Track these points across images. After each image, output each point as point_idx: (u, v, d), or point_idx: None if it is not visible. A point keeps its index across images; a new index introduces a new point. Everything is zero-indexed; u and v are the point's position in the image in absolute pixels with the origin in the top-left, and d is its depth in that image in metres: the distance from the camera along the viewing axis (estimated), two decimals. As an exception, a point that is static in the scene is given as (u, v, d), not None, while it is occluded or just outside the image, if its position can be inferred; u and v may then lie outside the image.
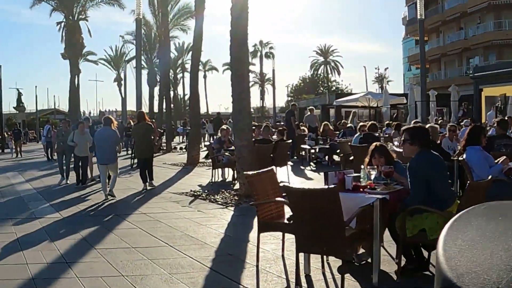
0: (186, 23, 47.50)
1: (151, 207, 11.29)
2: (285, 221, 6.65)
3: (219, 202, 11.43)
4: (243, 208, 10.88)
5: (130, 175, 18.04)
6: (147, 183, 14.54)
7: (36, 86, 75.08)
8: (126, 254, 7.35)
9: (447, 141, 12.06)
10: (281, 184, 5.70)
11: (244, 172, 7.00)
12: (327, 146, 19.98)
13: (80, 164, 15.07)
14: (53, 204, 12.00)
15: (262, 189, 6.85)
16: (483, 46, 49.71)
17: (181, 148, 32.78)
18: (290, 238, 6.64)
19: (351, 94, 44.02)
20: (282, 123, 26.84)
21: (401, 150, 13.34)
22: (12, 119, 72.33)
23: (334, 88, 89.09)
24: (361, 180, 6.49)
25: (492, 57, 49.80)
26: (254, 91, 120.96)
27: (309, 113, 24.39)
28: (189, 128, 35.72)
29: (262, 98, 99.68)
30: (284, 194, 6.26)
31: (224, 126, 17.12)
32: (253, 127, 29.62)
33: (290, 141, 17.21)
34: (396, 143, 14.24)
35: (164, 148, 31.45)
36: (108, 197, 12.54)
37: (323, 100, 52.23)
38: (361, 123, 15.52)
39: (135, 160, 18.26)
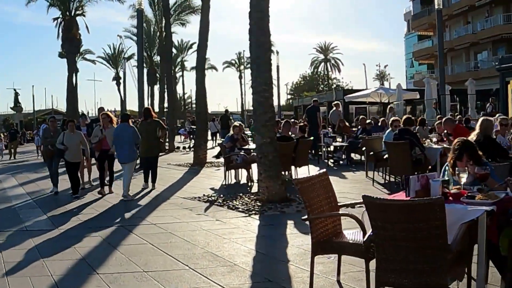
0: (186, 18, 46.04)
1: (161, 216, 9.72)
2: (347, 239, 5.13)
3: (240, 209, 9.86)
4: (270, 216, 9.33)
5: (133, 177, 16.45)
6: (150, 184, 13.59)
7: (33, 86, 73.20)
8: (137, 282, 5.80)
9: (499, 137, 10.50)
10: (362, 195, 4.16)
11: (295, 178, 5.35)
12: (346, 144, 18.44)
13: (72, 171, 12.51)
14: (48, 214, 10.38)
15: (315, 198, 5.30)
16: (492, 40, 48.20)
17: (184, 148, 31.25)
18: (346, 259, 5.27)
19: (359, 90, 42.38)
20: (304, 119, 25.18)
21: (439, 146, 11.80)
22: (10, 119, 71.07)
23: (334, 85, 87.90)
24: (448, 185, 4.98)
25: (501, 51, 48.25)
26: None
27: (334, 108, 22.89)
28: (193, 127, 34.48)
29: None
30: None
31: (236, 123, 15.60)
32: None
33: (312, 138, 15.68)
34: (434, 139, 12.72)
35: (167, 148, 29.97)
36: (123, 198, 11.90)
37: (329, 97, 50.56)
38: (394, 118, 13.96)
39: (138, 161, 16.81)
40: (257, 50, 10.50)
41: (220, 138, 31.17)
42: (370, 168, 14.62)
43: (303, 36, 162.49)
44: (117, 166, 13.05)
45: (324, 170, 5.76)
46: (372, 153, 12.90)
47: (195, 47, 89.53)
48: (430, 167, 11.85)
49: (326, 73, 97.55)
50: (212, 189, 13.28)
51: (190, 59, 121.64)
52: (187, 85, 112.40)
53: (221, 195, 11.63)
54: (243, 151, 14.37)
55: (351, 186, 12.82)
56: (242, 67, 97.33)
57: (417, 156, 11.62)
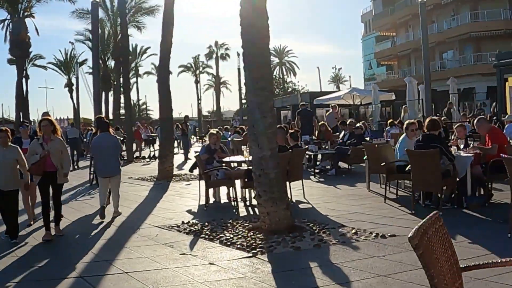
0: (142, 19, 43.36)
1: (133, 258, 7.22)
2: None
3: (238, 246, 7.45)
4: (282, 256, 6.98)
5: (90, 196, 13.90)
6: (113, 212, 10.73)
7: (-20, 96, 69.43)
8: None
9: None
10: None
11: (409, 236, 2.94)
12: (333, 151, 16.26)
13: (5, 204, 8.58)
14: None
15: (435, 262, 3.01)
16: (459, 39, 47.10)
17: (143, 158, 28.54)
18: None
19: (320, 93, 40.47)
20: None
21: (469, 154, 9.69)
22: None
23: (290, 89, 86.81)
24: None
25: (468, 50, 47.31)
26: (209, 95, 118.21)
27: (330, 110, 20.82)
28: (153, 135, 31.88)
29: (218, 101, 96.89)
30: None
31: (213, 130, 13.17)
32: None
33: (307, 147, 13.44)
34: (461, 145, 10.62)
35: (125, 158, 27.22)
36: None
37: (294, 100, 48.51)
38: (409, 121, 11.78)
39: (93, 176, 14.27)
40: (250, 38, 8.16)
41: (181, 148, 28.72)
42: (371, 178, 12.59)
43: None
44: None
45: (435, 212, 3.45)
46: (383, 163, 10.66)
47: (149, 51, 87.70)
48: (458, 179, 9.79)
49: (281, 76, 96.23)
50: (189, 212, 10.87)
51: (145, 64, 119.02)
52: (141, 91, 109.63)
53: (206, 223, 9.19)
54: (222, 164, 12.04)
55: (360, 205, 10.60)
56: (198, 71, 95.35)
57: (446, 167, 9.49)
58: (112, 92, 45.13)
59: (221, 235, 8.10)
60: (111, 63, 50.56)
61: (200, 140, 50.70)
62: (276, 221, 8.05)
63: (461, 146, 10.42)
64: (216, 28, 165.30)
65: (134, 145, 29.95)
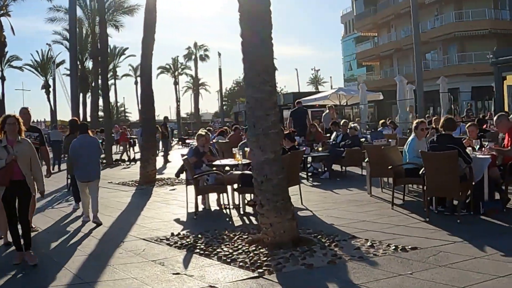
0: (121, 18, 42.10)
1: (119, 280, 6.15)
2: None
3: (240, 263, 6.45)
4: (293, 276, 5.99)
5: (68, 203, 12.78)
6: (92, 217, 9.95)
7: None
8: None
9: None
10: None
11: None
12: (327, 153, 15.33)
13: None
14: None
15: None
16: (442, 39, 46.60)
17: (123, 161, 27.34)
18: None
19: (310, 93, 39.59)
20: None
21: (486, 156, 8.82)
22: None
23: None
24: None
25: (453, 50, 46.84)
26: (187, 97, 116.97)
27: (327, 111, 20.00)
28: (133, 136, 30.70)
29: (196, 103, 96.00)
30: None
31: (202, 131, 12.13)
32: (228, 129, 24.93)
33: (304, 149, 12.49)
34: (477, 146, 9.72)
35: (104, 161, 26.06)
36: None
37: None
38: (418, 120, 10.87)
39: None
40: (252, 24, 7.18)
41: (161, 150, 27.55)
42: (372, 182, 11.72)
43: (237, 42, 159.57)
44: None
45: None
46: (390, 167, 9.74)
47: (127, 52, 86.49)
48: (473, 183, 8.91)
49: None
50: (178, 221, 9.85)
51: (122, 65, 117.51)
52: (119, 93, 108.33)
53: (199, 235, 8.17)
54: (213, 168, 11.06)
55: (365, 212, 9.68)
56: (177, 72, 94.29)
57: (463, 170, 8.62)
58: (90, 94, 43.81)
59: (218, 250, 7.09)
60: (89, 64, 49.29)
61: (180, 143, 49.60)
62: (281, 233, 7.08)
63: (477, 147, 9.53)
64: (195, 30, 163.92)
65: (121, 148, 28.85)
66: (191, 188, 10.82)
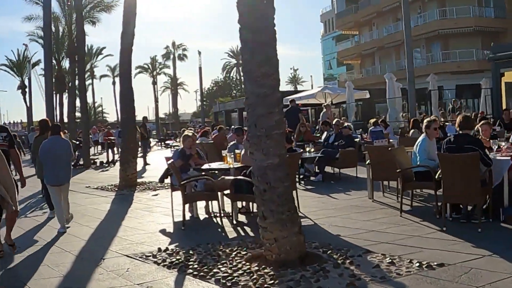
0: (98, 16, 40.78)
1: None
2: None
3: (242, 287, 5.51)
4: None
5: (42, 212, 11.67)
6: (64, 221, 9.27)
7: None
8: None
9: None
10: None
11: None
12: (320, 154, 14.41)
13: None
14: None
15: None
16: (426, 36, 46.02)
17: (102, 163, 26.15)
18: None
19: (293, 92, 38.70)
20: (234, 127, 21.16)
21: (507, 157, 7.97)
22: None
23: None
24: None
25: (436, 48, 46.28)
26: (165, 97, 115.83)
27: (324, 110, 19.21)
28: (111, 138, 29.47)
29: (175, 103, 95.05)
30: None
31: (188, 132, 11.12)
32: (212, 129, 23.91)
33: (302, 151, 11.55)
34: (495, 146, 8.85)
35: (81, 163, 24.93)
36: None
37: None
38: (429, 118, 9.94)
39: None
40: (253, 7, 6.19)
41: (140, 152, 26.39)
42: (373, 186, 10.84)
43: (215, 42, 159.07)
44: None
45: None
46: (399, 170, 8.83)
47: (105, 52, 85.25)
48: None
49: (238, 78, 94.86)
50: (164, 233, 8.82)
51: (100, 65, 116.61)
52: (97, 94, 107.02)
53: (190, 251, 7.16)
54: (201, 172, 10.09)
55: (372, 220, 8.76)
56: (155, 72, 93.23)
57: (483, 173, 7.75)
58: (67, 94, 42.41)
59: (214, 270, 6.09)
60: (66, 64, 47.88)
61: (160, 144, 48.38)
62: (287, 250, 6.12)
63: (495, 148, 8.67)
64: (174, 30, 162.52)
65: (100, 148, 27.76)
66: (177, 194, 9.86)
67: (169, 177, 10.69)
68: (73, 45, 34.86)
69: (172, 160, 10.13)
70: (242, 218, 9.57)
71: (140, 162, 23.54)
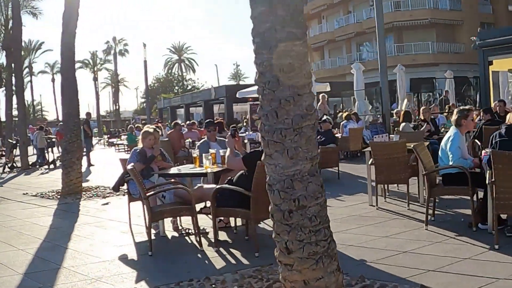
0: (36, 5, 37.81)
1: None
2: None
3: None
4: None
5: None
6: None
7: None
8: None
9: None
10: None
11: None
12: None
13: None
14: None
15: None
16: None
17: (41, 165, 23.58)
18: None
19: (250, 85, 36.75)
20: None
21: None
22: None
23: (190, 86, 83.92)
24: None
25: (390, 40, 45.13)
26: (105, 94, 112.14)
27: (320, 101, 17.49)
28: (51, 137, 26.94)
29: (116, 100, 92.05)
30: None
31: (149, 128, 8.96)
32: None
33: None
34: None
35: (18, 165, 22.42)
36: None
37: (206, 95, 44.55)
38: (462, 107, 8.13)
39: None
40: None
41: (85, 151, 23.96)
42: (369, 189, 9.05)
43: (157, 36, 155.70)
44: None
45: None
46: (424, 173, 7.01)
47: (44, 47, 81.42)
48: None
49: (180, 74, 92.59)
50: (126, 261, 6.66)
51: (39, 62, 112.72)
52: (36, 91, 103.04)
53: (171, 292, 5.13)
54: (164, 177, 8.06)
55: (395, 236, 6.90)
56: (96, 68, 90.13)
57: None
58: (4, 91, 39.25)
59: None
60: (3, 59, 44.47)
61: (103, 142, 45.74)
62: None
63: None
64: (115, 24, 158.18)
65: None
66: (135, 205, 7.79)
67: (126, 184, 8.55)
68: (10, 36, 31.99)
69: (132, 164, 7.92)
70: (222, 235, 7.56)
71: (84, 163, 21.22)
